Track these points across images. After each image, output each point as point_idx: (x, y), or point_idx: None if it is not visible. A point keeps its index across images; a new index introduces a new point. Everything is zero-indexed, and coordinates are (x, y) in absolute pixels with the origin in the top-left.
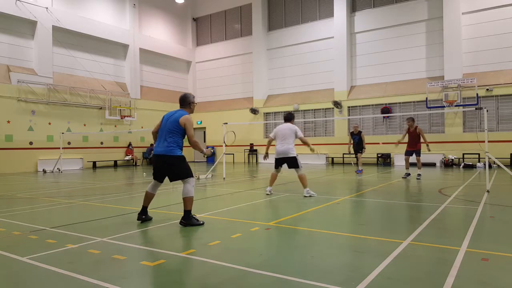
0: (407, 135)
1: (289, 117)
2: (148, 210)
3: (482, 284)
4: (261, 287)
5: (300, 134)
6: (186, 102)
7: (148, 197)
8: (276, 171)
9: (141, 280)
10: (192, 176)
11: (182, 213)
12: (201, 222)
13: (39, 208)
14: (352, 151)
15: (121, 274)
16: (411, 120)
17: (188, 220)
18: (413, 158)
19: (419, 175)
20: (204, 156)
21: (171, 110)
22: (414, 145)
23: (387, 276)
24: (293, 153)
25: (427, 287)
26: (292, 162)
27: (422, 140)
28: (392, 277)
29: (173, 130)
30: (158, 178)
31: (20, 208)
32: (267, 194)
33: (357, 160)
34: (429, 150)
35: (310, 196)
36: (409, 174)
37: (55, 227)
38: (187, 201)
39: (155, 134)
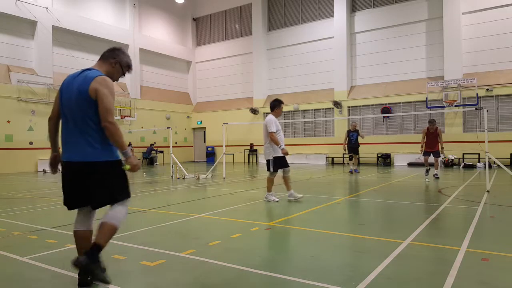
0: (425, 136)
1: (270, 105)
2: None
3: (482, 284)
4: (261, 287)
5: (270, 128)
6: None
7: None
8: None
9: (141, 280)
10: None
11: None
12: (108, 280)
13: (39, 208)
14: (346, 149)
15: (121, 274)
16: (434, 122)
17: (94, 260)
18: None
19: (436, 174)
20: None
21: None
22: (433, 146)
23: (387, 276)
24: (268, 156)
25: (427, 287)
26: (267, 165)
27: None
28: (392, 277)
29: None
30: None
31: (20, 208)
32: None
33: (353, 159)
34: (442, 153)
35: (268, 201)
36: (428, 170)
37: (55, 227)
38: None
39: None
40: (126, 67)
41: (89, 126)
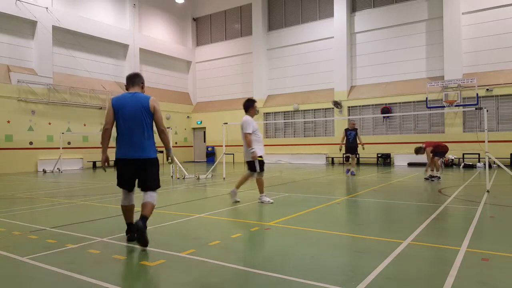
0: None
1: (244, 106)
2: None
3: (482, 284)
4: (261, 287)
5: (245, 130)
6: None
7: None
8: (249, 173)
9: (141, 280)
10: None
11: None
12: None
13: (39, 208)
14: (343, 149)
15: (121, 274)
16: (417, 150)
17: (144, 225)
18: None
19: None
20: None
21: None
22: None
23: (387, 276)
24: (248, 158)
25: (427, 287)
26: (249, 166)
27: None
28: (392, 277)
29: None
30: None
31: (20, 208)
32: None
33: (351, 160)
34: (433, 170)
35: (262, 202)
36: (433, 177)
37: (55, 227)
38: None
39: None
40: None
41: (148, 133)
